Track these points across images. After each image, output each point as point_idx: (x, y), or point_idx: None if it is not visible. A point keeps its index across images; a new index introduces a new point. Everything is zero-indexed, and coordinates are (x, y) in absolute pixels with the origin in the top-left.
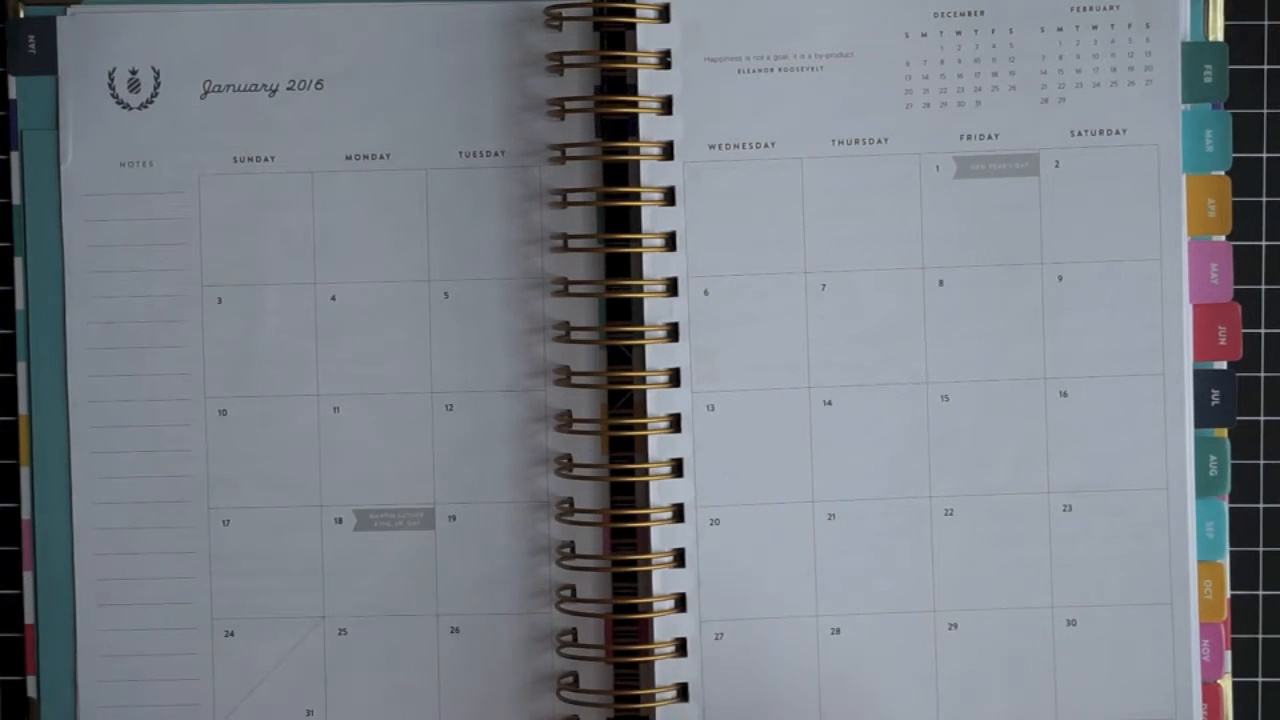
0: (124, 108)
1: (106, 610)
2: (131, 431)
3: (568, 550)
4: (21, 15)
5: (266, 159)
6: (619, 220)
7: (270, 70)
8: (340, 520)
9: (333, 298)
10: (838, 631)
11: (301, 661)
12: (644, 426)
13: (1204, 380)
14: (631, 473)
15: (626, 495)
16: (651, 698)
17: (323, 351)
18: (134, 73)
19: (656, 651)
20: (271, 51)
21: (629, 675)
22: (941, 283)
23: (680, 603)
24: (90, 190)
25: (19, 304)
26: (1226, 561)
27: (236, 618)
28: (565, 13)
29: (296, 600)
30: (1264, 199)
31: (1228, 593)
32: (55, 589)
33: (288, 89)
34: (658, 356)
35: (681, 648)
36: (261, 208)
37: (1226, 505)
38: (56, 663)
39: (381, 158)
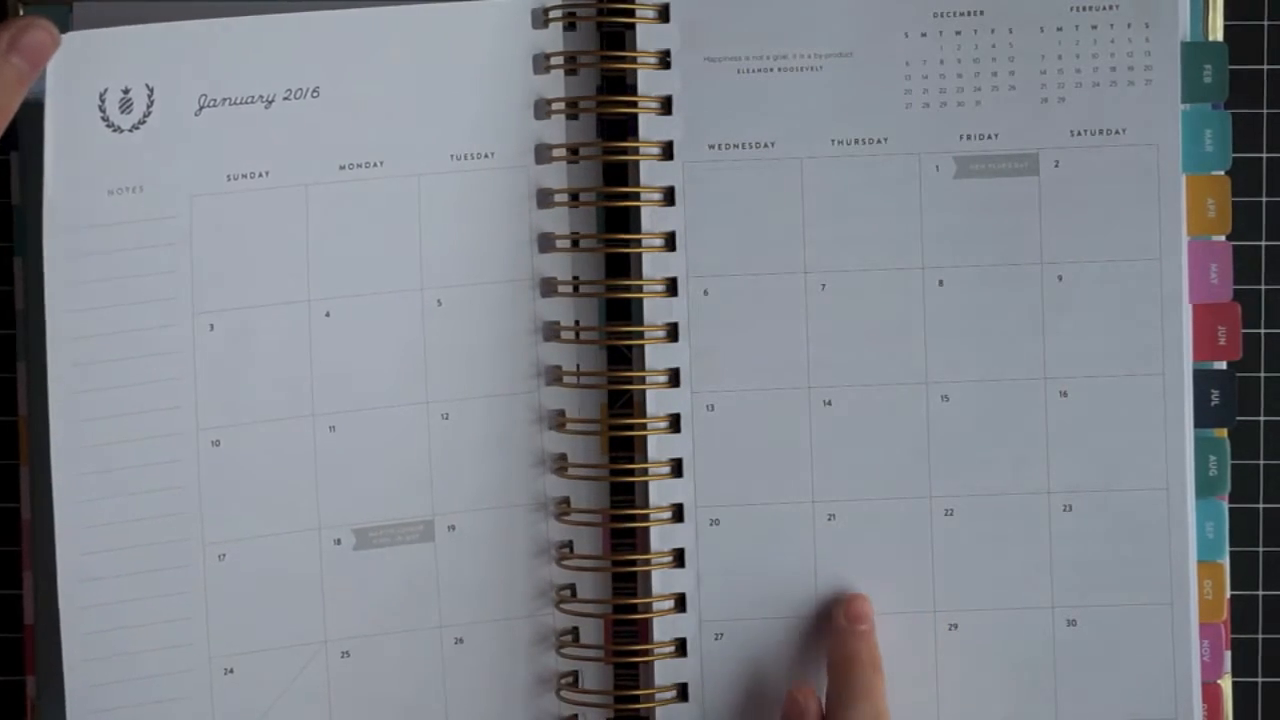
0: (114, 130)
1: (95, 664)
2: (119, 474)
3: (567, 550)
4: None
5: (261, 174)
6: (619, 220)
7: (268, 79)
8: (339, 541)
9: (327, 314)
10: None
11: (304, 689)
12: (643, 426)
13: (1204, 380)
14: (631, 473)
15: (626, 495)
16: (651, 698)
17: (317, 370)
18: (126, 92)
19: (656, 651)
20: (270, 59)
21: (629, 675)
22: (941, 283)
23: (680, 603)
24: (74, 224)
25: (19, 304)
26: (1226, 561)
27: (235, 654)
28: (564, 13)
29: (296, 628)
30: (1264, 199)
31: (1228, 593)
32: (55, 589)
33: (284, 99)
34: (657, 356)
35: (681, 648)
36: (255, 226)
37: (1226, 505)
38: (56, 663)
39: (375, 165)
